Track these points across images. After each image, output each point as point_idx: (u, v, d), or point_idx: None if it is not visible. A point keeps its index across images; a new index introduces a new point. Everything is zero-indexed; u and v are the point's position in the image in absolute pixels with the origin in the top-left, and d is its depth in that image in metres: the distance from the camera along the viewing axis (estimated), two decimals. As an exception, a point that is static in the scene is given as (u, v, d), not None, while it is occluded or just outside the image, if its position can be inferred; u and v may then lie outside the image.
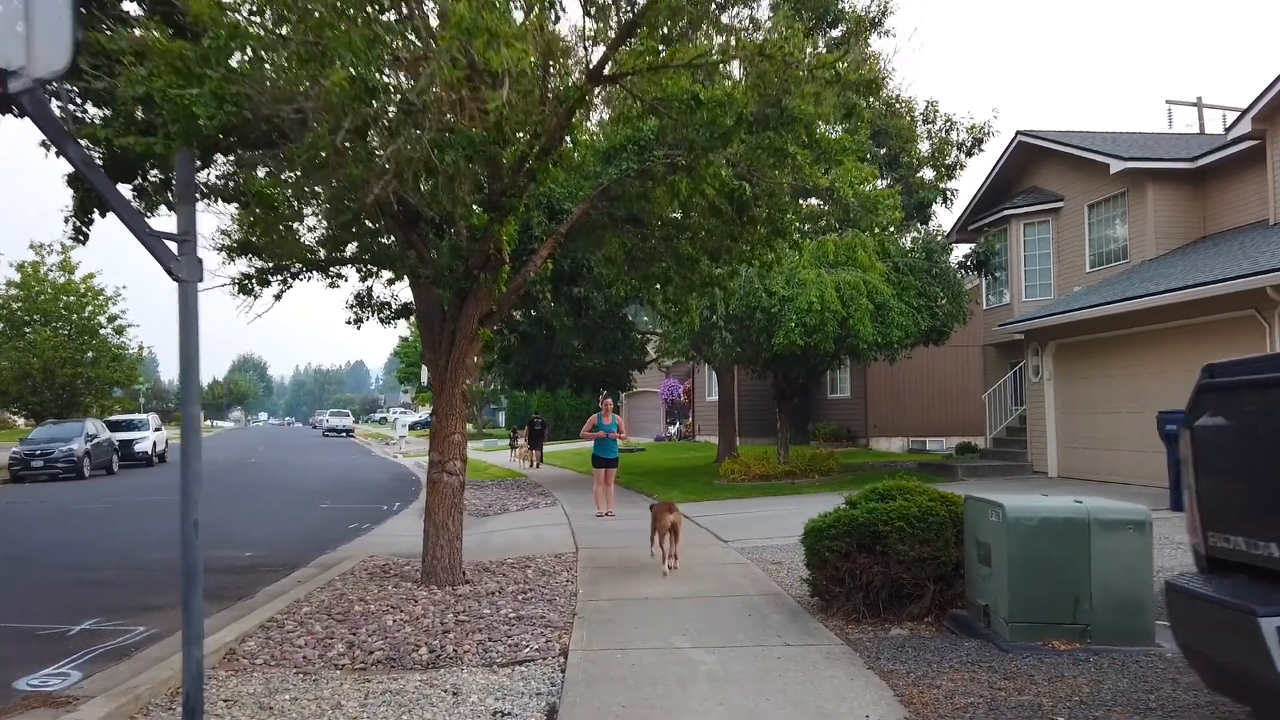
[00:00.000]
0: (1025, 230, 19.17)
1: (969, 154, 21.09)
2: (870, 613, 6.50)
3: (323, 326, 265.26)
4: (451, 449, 8.18)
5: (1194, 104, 25.51)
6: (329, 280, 9.28)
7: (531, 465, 24.72)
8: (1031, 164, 19.69)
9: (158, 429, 31.97)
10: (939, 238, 17.84)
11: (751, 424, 28.65)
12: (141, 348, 33.69)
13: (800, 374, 17.62)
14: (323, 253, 8.92)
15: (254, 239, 8.02)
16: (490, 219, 6.89)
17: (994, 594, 5.99)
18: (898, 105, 20.43)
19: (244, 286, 8.59)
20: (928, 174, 20.96)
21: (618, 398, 46.85)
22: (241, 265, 8.60)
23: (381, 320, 10.09)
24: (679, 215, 9.44)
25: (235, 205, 7.78)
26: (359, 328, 10.21)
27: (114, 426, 30.21)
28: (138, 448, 29.78)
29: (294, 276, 8.94)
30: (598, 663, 5.71)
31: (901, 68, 62.82)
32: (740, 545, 10.23)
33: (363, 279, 9.69)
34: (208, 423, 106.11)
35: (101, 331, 31.62)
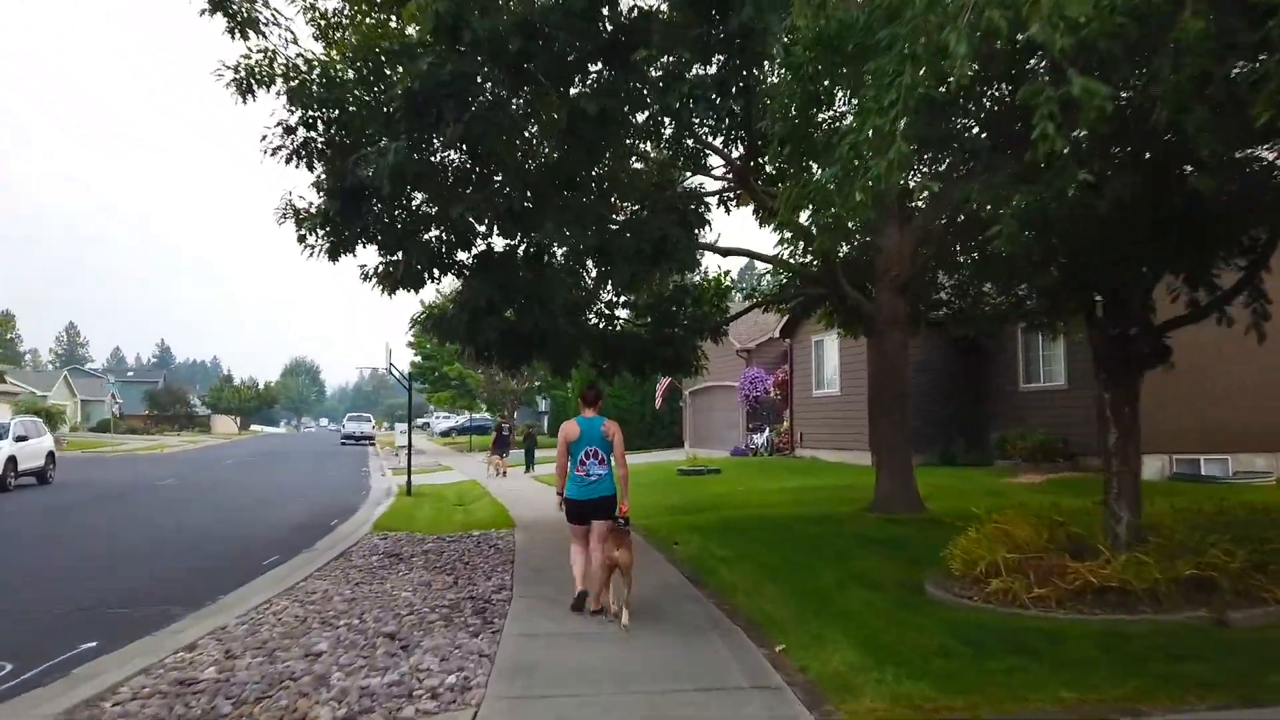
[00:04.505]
0: None
1: None
2: None
3: (383, 334, 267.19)
4: None
5: None
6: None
7: (499, 474, 23.99)
8: None
9: (23, 437, 22.31)
10: None
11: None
12: (4, 320, 24.01)
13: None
14: None
15: None
16: None
17: None
18: None
19: None
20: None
21: (677, 397, 35.75)
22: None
23: None
24: None
25: None
26: None
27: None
28: (-22, 466, 20.43)
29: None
30: None
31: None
32: None
33: None
34: (257, 427, 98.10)
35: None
